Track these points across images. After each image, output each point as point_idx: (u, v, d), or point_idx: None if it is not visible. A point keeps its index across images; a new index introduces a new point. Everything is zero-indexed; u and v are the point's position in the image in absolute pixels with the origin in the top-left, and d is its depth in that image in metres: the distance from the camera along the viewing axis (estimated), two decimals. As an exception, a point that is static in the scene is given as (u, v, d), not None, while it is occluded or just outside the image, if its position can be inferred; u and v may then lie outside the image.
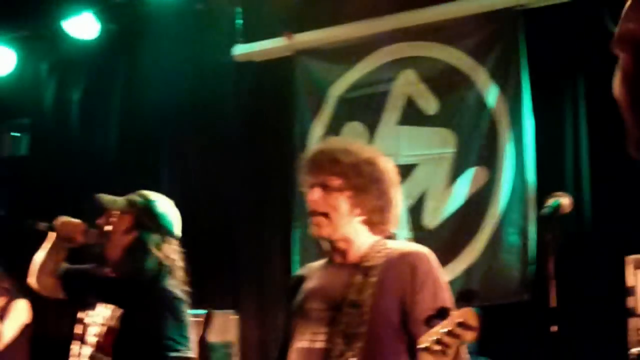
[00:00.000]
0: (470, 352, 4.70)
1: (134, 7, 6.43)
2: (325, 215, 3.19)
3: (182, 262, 3.82)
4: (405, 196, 5.39)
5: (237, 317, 5.69)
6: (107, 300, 3.84)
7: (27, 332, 5.36)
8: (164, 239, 3.75)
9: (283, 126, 5.98)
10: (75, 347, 3.84)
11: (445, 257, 5.17)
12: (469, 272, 5.14)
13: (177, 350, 3.52)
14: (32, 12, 6.58)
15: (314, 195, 3.19)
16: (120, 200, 3.84)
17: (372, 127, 5.60)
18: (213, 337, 5.44)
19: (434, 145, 5.42)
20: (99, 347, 3.74)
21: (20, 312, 5.49)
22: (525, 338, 4.85)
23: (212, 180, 6.36)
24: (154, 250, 3.73)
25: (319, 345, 3.10)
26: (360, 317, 3.04)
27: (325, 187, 3.20)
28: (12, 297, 5.45)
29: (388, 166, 3.28)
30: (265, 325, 5.89)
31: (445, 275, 3.12)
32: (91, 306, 3.92)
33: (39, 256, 3.92)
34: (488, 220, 5.13)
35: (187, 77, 6.48)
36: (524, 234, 5.05)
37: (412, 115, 5.48)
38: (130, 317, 3.69)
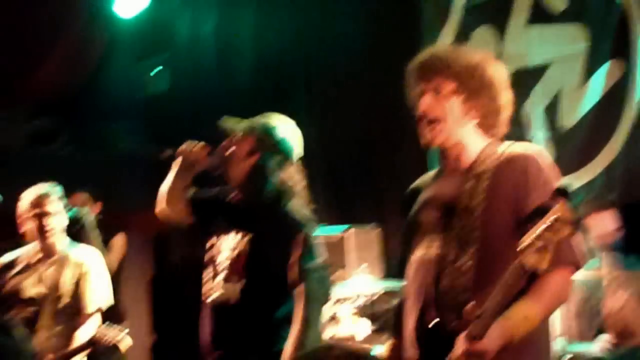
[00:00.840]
0: (616, 249, 4.67)
1: None
2: (438, 121, 3.21)
3: (304, 183, 3.89)
4: (540, 96, 5.32)
5: (378, 231, 5.80)
6: (234, 224, 3.96)
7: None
8: (285, 160, 3.83)
9: (412, 40, 5.96)
10: (208, 272, 3.98)
11: (584, 155, 5.10)
12: (609, 169, 5.02)
13: (306, 272, 3.63)
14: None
15: (427, 101, 3.19)
16: (241, 124, 3.91)
17: (500, 30, 5.50)
18: (355, 252, 5.59)
19: (566, 43, 5.26)
20: (231, 271, 3.86)
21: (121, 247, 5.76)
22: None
23: (348, 101, 6.45)
24: (275, 173, 3.82)
25: (434, 252, 3.15)
26: (473, 222, 3.06)
27: (438, 92, 3.21)
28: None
29: (499, 68, 3.25)
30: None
31: (557, 173, 3.10)
32: (221, 231, 4.10)
33: (166, 184, 4.04)
34: (626, 115, 4.98)
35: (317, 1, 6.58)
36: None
37: (540, 14, 5.33)
38: (258, 240, 3.80)
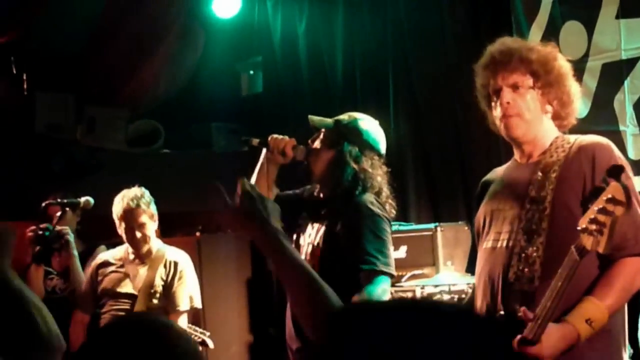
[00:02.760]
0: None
1: None
2: (519, 115, 3.26)
3: (386, 179, 3.97)
4: (630, 91, 5.27)
5: (468, 228, 5.83)
6: (313, 218, 4.07)
7: None
8: (365, 153, 3.93)
9: (499, 35, 5.96)
10: None
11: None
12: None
13: (373, 265, 3.68)
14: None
15: (507, 97, 3.27)
16: (328, 119, 4.05)
17: (590, 24, 5.45)
18: (444, 249, 5.63)
19: (656, 36, 5.23)
20: (310, 265, 3.95)
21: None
22: None
23: (439, 100, 6.50)
24: (352, 164, 3.90)
25: (503, 243, 3.20)
26: (541, 213, 3.11)
27: (517, 88, 3.27)
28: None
29: (565, 61, 3.32)
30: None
31: (625, 163, 3.12)
32: (303, 227, 4.18)
33: (252, 178, 4.12)
34: None
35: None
36: None
37: (631, 7, 5.27)
38: (331, 232, 3.89)
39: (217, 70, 8.04)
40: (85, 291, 5.13)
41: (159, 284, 4.99)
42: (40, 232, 5.15)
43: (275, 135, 4.05)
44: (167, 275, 5.01)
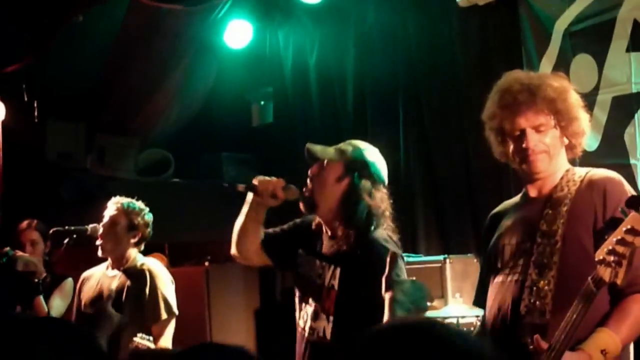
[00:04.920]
0: None
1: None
2: (544, 152, 3.28)
3: (390, 210, 3.79)
4: (640, 124, 5.29)
5: (477, 260, 5.82)
6: (320, 255, 3.86)
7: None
8: (375, 186, 3.76)
9: (510, 67, 5.98)
10: (299, 306, 3.92)
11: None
12: None
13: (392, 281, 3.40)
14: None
15: (533, 139, 3.26)
16: (330, 149, 3.85)
17: (600, 57, 5.46)
18: (452, 281, 5.62)
19: (666, 70, 5.24)
20: (322, 307, 3.76)
21: (69, 290, 5.65)
22: None
23: (448, 129, 6.51)
24: (366, 199, 3.73)
25: (514, 277, 3.21)
26: (552, 247, 3.12)
27: (539, 128, 3.27)
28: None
29: (576, 92, 3.33)
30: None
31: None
32: (306, 262, 3.95)
33: (239, 222, 3.92)
34: None
35: (413, 28, 6.69)
36: None
37: (641, 41, 5.33)
38: (349, 278, 3.69)
39: (228, 100, 8.10)
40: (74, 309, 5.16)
41: (130, 294, 4.96)
42: None
43: (261, 178, 3.85)
44: (139, 284, 4.97)
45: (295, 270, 3.99)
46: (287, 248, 3.99)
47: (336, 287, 3.72)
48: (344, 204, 3.76)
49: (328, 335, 3.68)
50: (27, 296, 5.09)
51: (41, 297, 5.21)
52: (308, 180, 3.85)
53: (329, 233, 3.85)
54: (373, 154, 3.86)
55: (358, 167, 3.80)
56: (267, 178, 3.84)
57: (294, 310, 4.04)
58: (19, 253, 5.19)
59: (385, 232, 3.74)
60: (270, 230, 4.03)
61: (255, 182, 3.84)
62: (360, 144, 3.89)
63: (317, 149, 3.87)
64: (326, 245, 3.87)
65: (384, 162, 3.84)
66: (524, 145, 3.26)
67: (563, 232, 3.13)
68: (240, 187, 3.86)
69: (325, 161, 3.82)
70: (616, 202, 3.06)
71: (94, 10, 6.38)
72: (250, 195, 3.87)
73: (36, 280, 5.10)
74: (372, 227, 3.72)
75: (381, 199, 3.77)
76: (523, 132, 3.25)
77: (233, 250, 4.02)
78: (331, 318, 3.67)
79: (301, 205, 3.86)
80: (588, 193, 3.17)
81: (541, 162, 3.28)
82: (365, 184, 3.76)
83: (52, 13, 5.30)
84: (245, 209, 3.91)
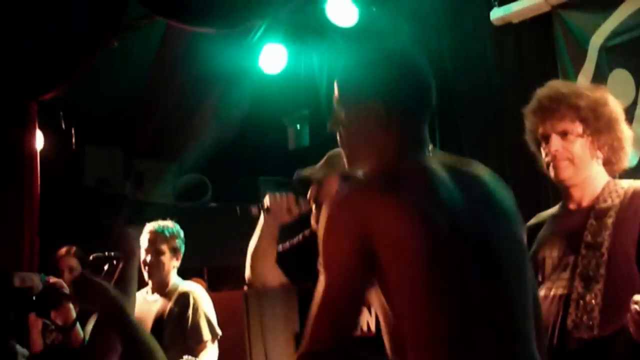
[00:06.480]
0: None
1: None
2: (569, 160, 3.26)
3: None
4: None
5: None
6: None
7: None
8: None
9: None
10: None
11: None
12: None
13: None
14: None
15: (556, 145, 3.28)
16: (318, 167, 3.97)
17: (637, 71, 5.44)
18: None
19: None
20: None
21: None
22: None
23: (485, 147, 6.47)
24: None
25: (559, 291, 3.17)
26: (598, 259, 3.09)
27: (566, 135, 3.26)
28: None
29: (617, 104, 3.29)
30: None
31: None
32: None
33: (253, 244, 4.04)
34: None
35: (448, 48, 6.69)
36: None
37: (679, 54, 5.29)
38: None
39: (264, 124, 8.14)
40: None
41: (172, 317, 4.97)
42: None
43: (272, 196, 4.04)
44: (181, 307, 4.98)
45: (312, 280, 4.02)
46: (304, 259, 3.98)
47: None
48: None
49: (372, 328, 3.70)
50: (21, 312, 5.10)
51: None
52: (311, 203, 3.93)
53: None
54: None
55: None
56: (278, 195, 4.01)
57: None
58: (52, 279, 5.21)
59: None
60: (280, 246, 4.11)
61: (266, 201, 4.01)
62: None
63: (308, 170, 4.01)
64: None
65: None
66: (547, 150, 3.26)
67: (609, 244, 3.12)
68: (254, 210, 4.10)
69: (323, 178, 3.93)
70: None
71: (129, 36, 6.45)
72: (262, 216, 3.99)
73: (33, 296, 5.11)
74: None
75: None
76: (549, 138, 3.26)
77: (248, 274, 4.11)
78: (372, 310, 3.68)
79: (312, 222, 3.95)
80: (633, 204, 3.15)
81: (564, 169, 3.28)
82: None
83: (88, 40, 5.35)
84: (258, 230, 4.03)
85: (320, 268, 2.37)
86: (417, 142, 2.50)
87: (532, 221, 3.55)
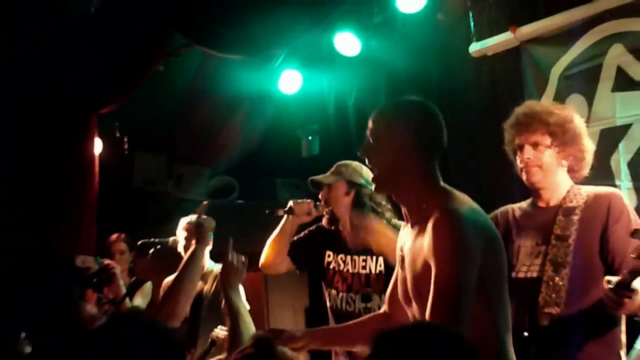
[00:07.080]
0: None
1: (386, 26, 6.78)
2: (538, 167, 3.38)
3: (389, 205, 4.11)
4: (624, 152, 5.32)
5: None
6: (344, 250, 4.16)
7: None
8: (370, 190, 4.09)
9: (515, 106, 6.04)
10: (339, 294, 4.19)
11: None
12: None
13: None
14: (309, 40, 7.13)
15: (528, 154, 3.38)
16: (328, 175, 4.23)
17: (590, 96, 5.55)
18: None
19: (646, 106, 5.29)
20: (373, 289, 4.08)
21: (148, 292, 5.78)
22: None
23: (464, 164, 6.54)
24: (369, 202, 4.12)
25: (534, 275, 3.27)
26: (566, 249, 3.20)
27: (537, 146, 3.38)
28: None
29: (581, 121, 3.41)
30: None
31: (632, 210, 3.21)
32: (333, 256, 4.22)
33: (274, 237, 4.28)
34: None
35: (436, 75, 6.81)
36: None
37: (623, 83, 5.35)
38: (389, 261, 3.94)
39: (281, 135, 8.23)
40: None
41: (207, 295, 5.03)
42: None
43: (296, 201, 4.23)
44: (216, 286, 5.03)
45: (321, 268, 4.24)
46: (312, 251, 4.27)
47: (384, 272, 4.01)
48: (355, 209, 4.16)
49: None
50: (81, 287, 5.20)
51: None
52: (323, 203, 4.19)
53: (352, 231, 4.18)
54: (362, 167, 4.19)
55: (357, 180, 4.15)
56: (299, 201, 4.23)
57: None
58: (106, 261, 5.29)
59: (391, 216, 4.08)
60: (296, 239, 4.38)
61: (292, 205, 4.21)
62: (350, 163, 4.26)
63: (320, 177, 4.25)
64: (350, 243, 4.17)
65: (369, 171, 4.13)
66: (521, 158, 3.37)
67: (575, 237, 3.21)
68: (281, 211, 4.28)
69: (331, 185, 4.18)
70: (618, 212, 3.14)
71: (172, 61, 6.56)
72: (285, 216, 4.23)
73: (88, 275, 5.19)
74: (384, 220, 4.07)
75: (381, 197, 4.12)
76: (523, 147, 3.37)
77: (263, 262, 4.34)
78: (382, 296, 3.79)
79: (324, 222, 4.15)
80: (595, 205, 3.25)
81: (534, 174, 3.36)
82: (366, 191, 4.12)
83: (140, 64, 5.50)
84: (280, 227, 4.27)
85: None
86: (437, 171, 2.78)
87: (503, 208, 3.64)
